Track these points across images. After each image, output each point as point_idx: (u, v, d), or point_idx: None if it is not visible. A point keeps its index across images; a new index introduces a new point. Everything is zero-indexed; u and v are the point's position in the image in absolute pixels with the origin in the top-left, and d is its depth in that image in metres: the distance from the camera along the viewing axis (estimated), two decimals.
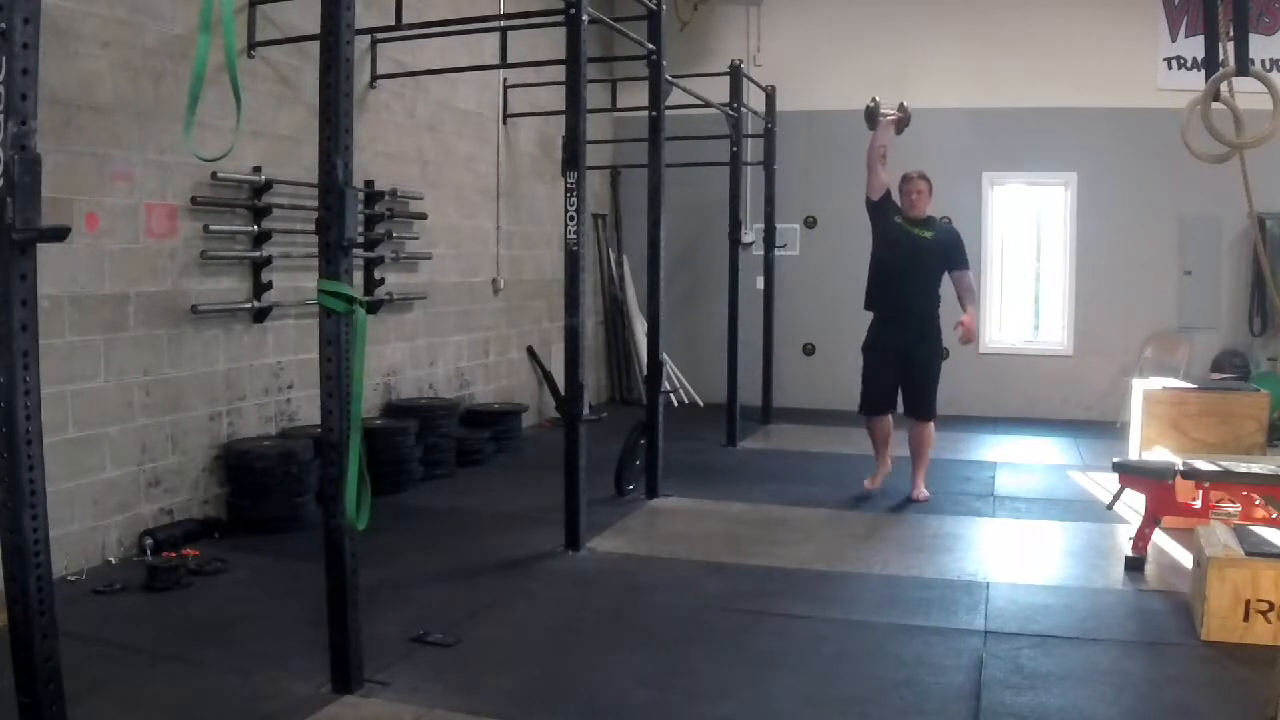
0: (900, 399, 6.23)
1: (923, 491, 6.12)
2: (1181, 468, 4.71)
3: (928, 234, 6.07)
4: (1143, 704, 3.34)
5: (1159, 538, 4.89)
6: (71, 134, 4.38)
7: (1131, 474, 4.90)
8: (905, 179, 6.10)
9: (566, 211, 4.98)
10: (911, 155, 9.61)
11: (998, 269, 9.88)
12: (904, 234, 6.04)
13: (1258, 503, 4.59)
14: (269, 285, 5.57)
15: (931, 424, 6.18)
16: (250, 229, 5.47)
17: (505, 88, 8.19)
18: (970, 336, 6.00)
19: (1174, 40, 9.05)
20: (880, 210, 6.16)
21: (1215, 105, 3.70)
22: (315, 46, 3.33)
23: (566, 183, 4.98)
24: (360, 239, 5.36)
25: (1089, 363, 9.42)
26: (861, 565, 4.88)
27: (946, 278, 6.14)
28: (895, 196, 6.16)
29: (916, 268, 6.02)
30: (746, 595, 4.41)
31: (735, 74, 8.14)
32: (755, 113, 8.89)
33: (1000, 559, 5.05)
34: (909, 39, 9.51)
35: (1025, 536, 5.50)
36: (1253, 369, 8.78)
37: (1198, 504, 4.67)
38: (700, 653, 3.77)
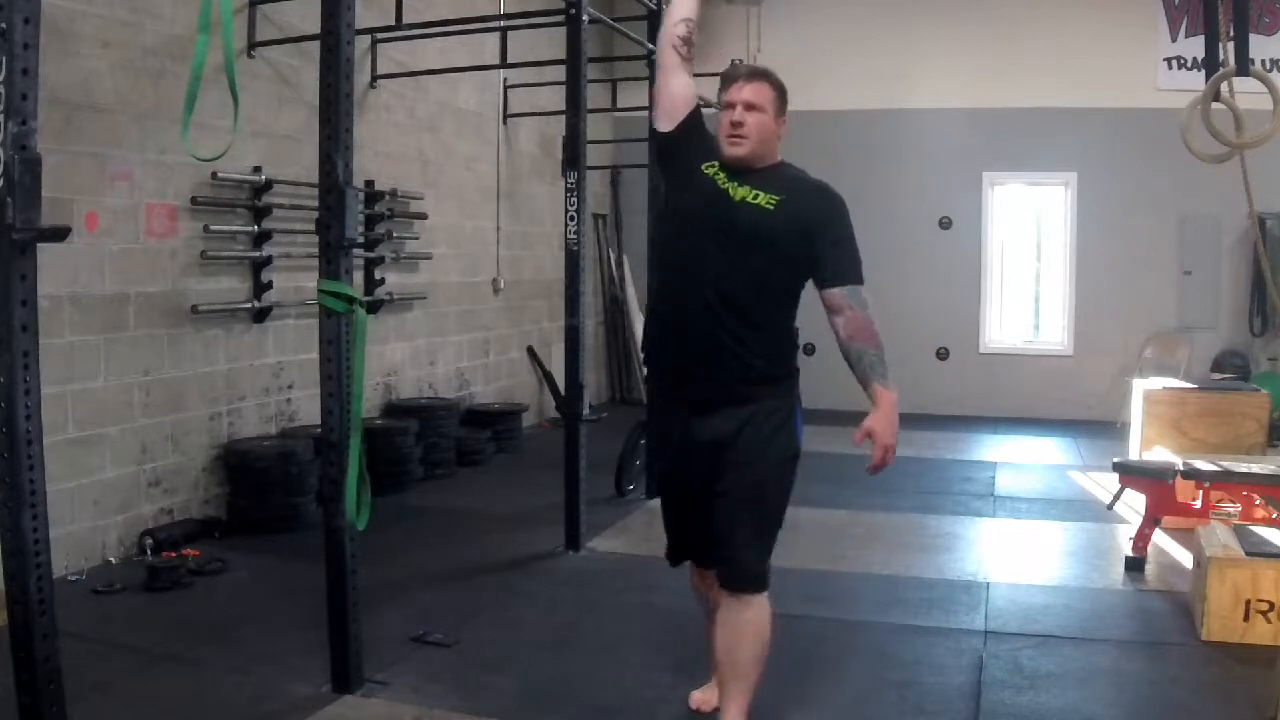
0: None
1: None
2: (1181, 468, 4.71)
3: (763, 198, 2.78)
4: (1143, 704, 3.34)
5: (1159, 538, 4.89)
6: (71, 134, 4.38)
7: (1131, 474, 4.90)
8: (726, 80, 2.88)
9: (566, 211, 4.98)
10: (912, 155, 9.74)
11: (998, 269, 9.88)
12: (715, 196, 2.81)
13: (1258, 503, 4.60)
14: (269, 285, 5.57)
15: (759, 602, 2.83)
16: (250, 229, 5.47)
17: (505, 88, 8.19)
18: (883, 462, 2.74)
19: (1174, 40, 9.05)
20: (678, 149, 2.92)
21: (1215, 105, 3.71)
22: (315, 46, 3.33)
23: (566, 183, 4.98)
24: (360, 239, 5.36)
25: (1089, 363, 9.42)
26: (861, 565, 4.88)
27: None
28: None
29: (735, 266, 2.75)
30: None
31: None
32: None
33: (1000, 559, 5.05)
34: (909, 39, 9.51)
35: (1025, 536, 5.50)
36: (1253, 369, 8.78)
37: (1198, 504, 4.67)
38: (700, 653, 3.77)
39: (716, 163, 2.85)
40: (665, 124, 2.93)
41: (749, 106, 2.80)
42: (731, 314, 2.75)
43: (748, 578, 2.82)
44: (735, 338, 2.76)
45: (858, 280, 2.83)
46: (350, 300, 3.17)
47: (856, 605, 4.33)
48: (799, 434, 2.92)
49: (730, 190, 2.80)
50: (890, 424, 2.72)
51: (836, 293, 2.80)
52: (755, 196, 2.78)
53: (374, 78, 6.62)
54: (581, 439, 5.05)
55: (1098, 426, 8.65)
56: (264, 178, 5.48)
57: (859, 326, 2.77)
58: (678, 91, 2.91)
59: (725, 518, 2.83)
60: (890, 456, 2.72)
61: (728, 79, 2.87)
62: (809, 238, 2.79)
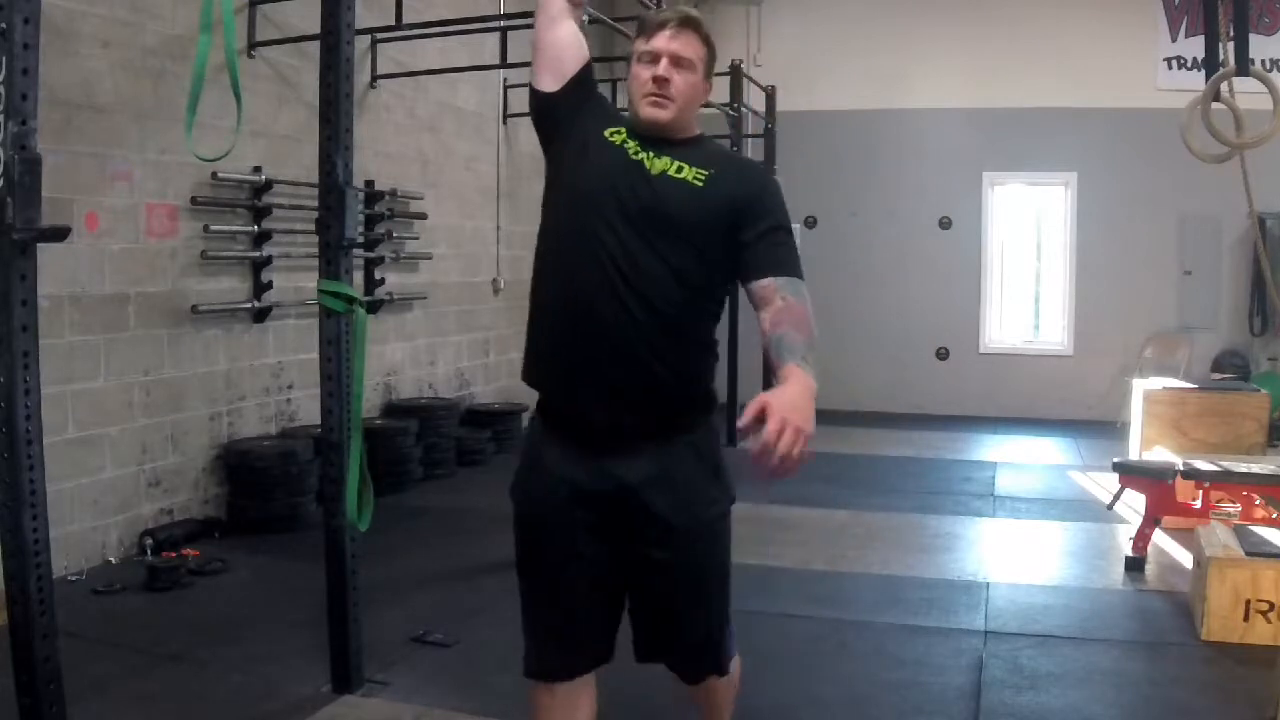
0: (641, 630, 2.37)
1: None
2: (1181, 468, 4.71)
3: (689, 172, 2.19)
4: (1143, 704, 3.34)
5: (1159, 538, 4.89)
6: (71, 134, 4.38)
7: (1131, 474, 4.90)
8: (647, 25, 2.25)
9: None
10: (912, 155, 9.75)
11: (998, 269, 9.88)
12: (625, 168, 2.20)
13: (1258, 503, 4.60)
14: (269, 285, 5.57)
15: (730, 679, 2.53)
16: (250, 229, 5.47)
17: (505, 88, 8.19)
18: (782, 447, 1.75)
19: (1174, 40, 9.05)
20: (567, 112, 2.33)
21: (1215, 105, 3.71)
22: (315, 46, 3.33)
23: None
24: (360, 239, 5.37)
25: (1089, 363, 9.42)
26: (861, 565, 4.88)
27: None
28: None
29: (654, 256, 2.13)
30: (745, 595, 4.38)
31: (735, 74, 8.14)
32: (755, 113, 8.89)
33: (1000, 559, 5.05)
34: (909, 39, 9.51)
35: (1025, 536, 5.50)
36: (1253, 369, 8.78)
37: (1198, 504, 4.67)
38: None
39: (623, 129, 2.26)
40: (549, 81, 2.31)
41: (677, 61, 2.20)
42: (652, 318, 2.11)
43: (718, 662, 2.39)
44: (655, 350, 2.12)
45: (795, 274, 2.16)
46: (350, 300, 3.17)
47: (856, 605, 4.33)
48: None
49: (646, 162, 2.19)
50: (795, 401, 1.84)
51: (767, 283, 2.12)
52: (679, 170, 2.18)
53: (374, 78, 6.62)
54: None
55: (1098, 426, 8.65)
56: (264, 178, 5.48)
57: (789, 313, 2.07)
58: (567, 41, 2.32)
59: (682, 595, 2.26)
60: (794, 439, 1.77)
61: (649, 24, 2.24)
62: (738, 225, 2.16)
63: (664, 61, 2.19)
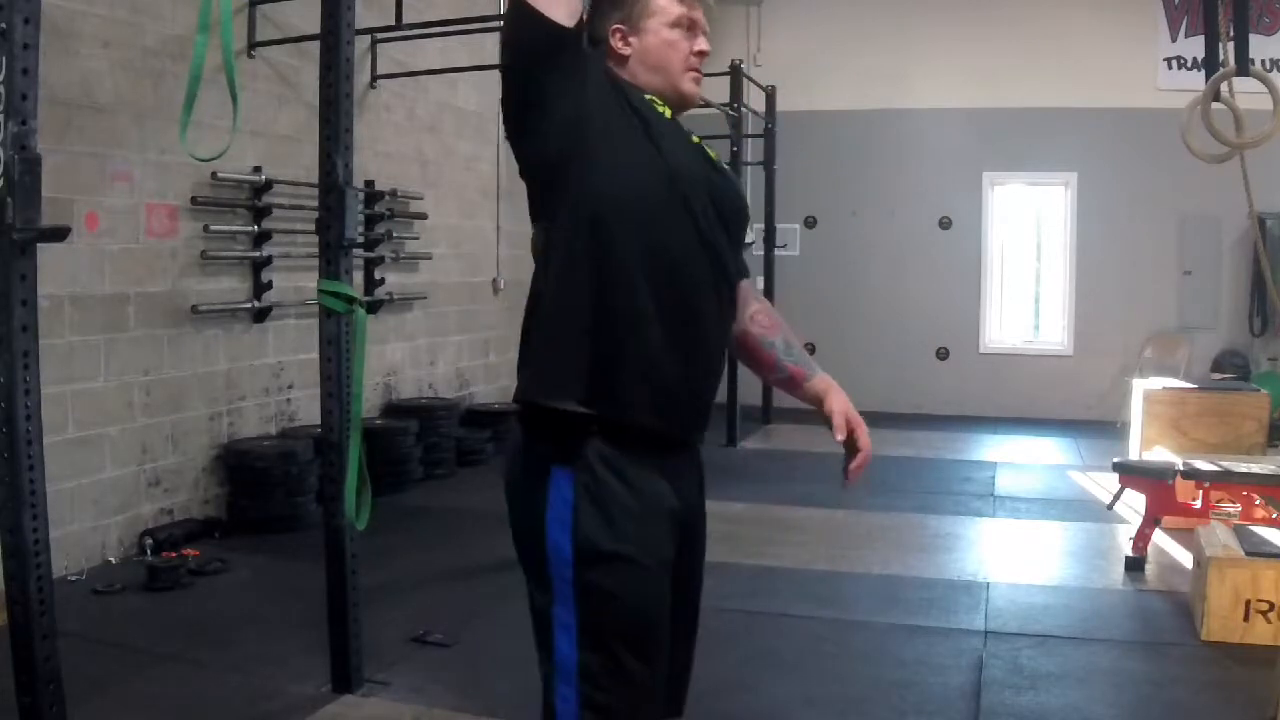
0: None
1: None
2: (1181, 468, 4.71)
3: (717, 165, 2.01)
4: (1143, 704, 3.34)
5: (1159, 538, 4.89)
6: (71, 134, 4.38)
7: (1131, 474, 4.90)
8: None
9: None
10: (912, 155, 9.75)
11: (998, 269, 9.88)
12: (693, 152, 1.92)
13: (1258, 503, 4.60)
14: (269, 285, 5.57)
15: None
16: (250, 229, 5.47)
17: None
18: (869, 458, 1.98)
19: (1174, 40, 9.05)
20: (583, 65, 1.79)
21: (1215, 105, 3.71)
22: (315, 46, 3.33)
23: None
24: (360, 239, 5.37)
25: (1089, 363, 9.43)
26: (861, 565, 4.88)
27: None
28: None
29: (737, 253, 2.00)
30: (746, 595, 4.41)
31: (735, 74, 8.14)
32: (755, 113, 8.89)
33: (1000, 559, 5.05)
34: (909, 39, 9.51)
35: (1025, 536, 5.50)
36: (1253, 369, 8.78)
37: (1198, 504, 4.67)
38: (699, 652, 3.76)
39: (658, 101, 1.92)
40: (563, 12, 1.74)
41: (705, 35, 1.98)
42: (730, 322, 1.99)
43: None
44: (725, 355, 2.02)
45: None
46: (350, 300, 3.17)
47: (856, 605, 4.33)
48: None
49: (702, 144, 1.97)
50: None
51: (746, 283, 2.06)
52: (718, 157, 2.02)
53: (374, 78, 6.62)
54: None
55: (1098, 426, 8.65)
56: (264, 178, 5.48)
57: (776, 317, 2.10)
58: None
59: (695, 625, 2.10)
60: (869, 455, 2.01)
61: None
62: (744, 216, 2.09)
63: (700, 35, 1.96)
